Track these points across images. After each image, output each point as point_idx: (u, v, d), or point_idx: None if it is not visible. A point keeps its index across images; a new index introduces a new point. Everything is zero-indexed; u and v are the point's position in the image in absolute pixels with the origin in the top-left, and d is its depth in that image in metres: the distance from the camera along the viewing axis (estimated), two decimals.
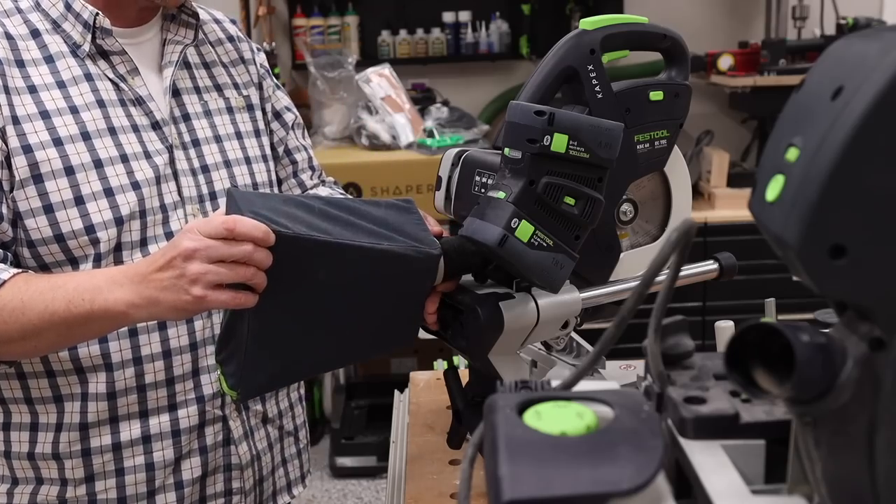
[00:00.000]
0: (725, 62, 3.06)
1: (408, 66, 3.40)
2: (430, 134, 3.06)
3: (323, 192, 1.39)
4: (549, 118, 0.90)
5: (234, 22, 1.37)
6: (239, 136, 1.26)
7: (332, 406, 3.37)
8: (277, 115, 1.37)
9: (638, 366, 1.22)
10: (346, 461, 3.20)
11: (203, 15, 1.28)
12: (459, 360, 1.36)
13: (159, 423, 1.14)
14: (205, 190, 1.19)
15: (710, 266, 1.14)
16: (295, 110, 1.41)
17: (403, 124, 3.09)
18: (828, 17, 3.18)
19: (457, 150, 1.12)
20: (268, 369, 0.98)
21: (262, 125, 1.31)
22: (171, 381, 1.14)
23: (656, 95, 1.07)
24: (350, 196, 1.39)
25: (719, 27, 3.43)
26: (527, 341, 1.02)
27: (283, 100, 1.39)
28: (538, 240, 0.93)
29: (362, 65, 3.26)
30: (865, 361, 0.51)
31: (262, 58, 1.38)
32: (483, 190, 1.05)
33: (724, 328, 1.13)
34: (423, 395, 1.35)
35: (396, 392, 1.41)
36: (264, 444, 1.27)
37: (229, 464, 1.21)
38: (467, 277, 1.04)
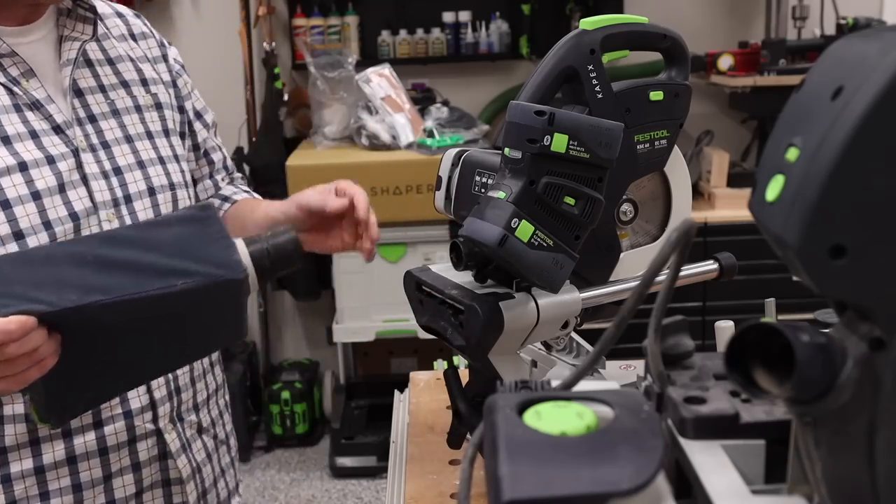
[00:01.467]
0: (725, 62, 3.06)
1: (408, 66, 3.40)
2: (430, 134, 3.06)
3: (228, 190, 1.36)
4: (549, 118, 0.90)
5: (138, 16, 1.29)
6: (150, 135, 1.19)
7: (332, 406, 3.38)
8: (199, 115, 1.32)
9: (638, 366, 1.22)
10: (346, 461, 3.20)
11: (104, 8, 1.22)
12: (459, 360, 1.36)
13: (84, 441, 1.08)
14: (119, 193, 1.12)
15: (710, 266, 1.14)
16: (209, 109, 1.36)
17: (403, 124, 3.09)
18: (828, 17, 3.18)
19: (457, 150, 1.12)
20: (77, 399, 0.92)
21: (171, 124, 1.24)
22: None
23: (656, 95, 1.07)
24: (251, 193, 1.38)
25: (719, 27, 3.43)
26: (527, 341, 1.02)
27: (201, 98, 1.34)
28: (538, 240, 0.93)
29: (362, 65, 3.26)
30: (865, 361, 0.51)
31: (174, 52, 1.31)
32: (483, 190, 1.05)
33: (724, 328, 1.13)
34: (423, 395, 1.35)
35: (396, 392, 1.41)
36: (203, 454, 1.23)
37: (168, 479, 1.17)
38: (467, 277, 1.04)
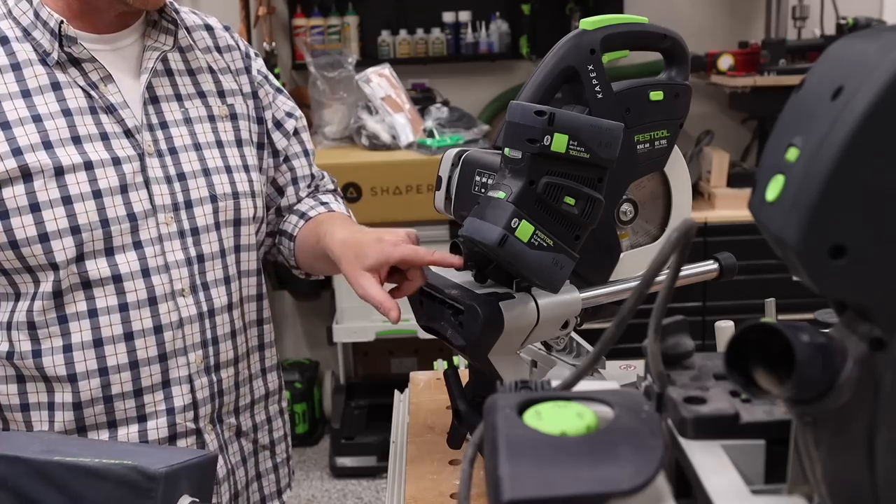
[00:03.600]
0: (725, 62, 3.06)
1: (408, 66, 3.40)
2: (430, 134, 3.06)
3: (306, 205, 1.34)
4: (549, 118, 0.90)
5: (227, 29, 1.33)
6: (220, 144, 1.22)
7: (332, 406, 3.37)
8: (278, 125, 1.33)
9: (638, 366, 1.22)
10: (346, 461, 3.20)
11: (192, 20, 1.26)
12: (459, 360, 1.36)
13: (128, 433, 1.13)
14: (180, 198, 1.16)
15: (710, 266, 1.14)
16: (298, 113, 1.37)
17: (403, 124, 3.09)
18: (828, 17, 3.18)
19: (457, 150, 1.12)
20: None
21: (245, 134, 1.27)
22: (139, 392, 1.13)
23: (656, 95, 1.07)
24: (330, 205, 1.34)
25: (719, 27, 3.43)
26: (527, 341, 1.02)
27: (284, 105, 1.35)
28: (538, 240, 0.93)
29: (362, 65, 3.25)
30: (865, 361, 0.51)
31: (259, 63, 1.34)
32: (483, 190, 1.05)
33: (724, 328, 1.13)
34: (423, 395, 1.34)
35: (396, 392, 1.41)
36: (238, 458, 1.26)
37: None
38: (467, 277, 1.04)
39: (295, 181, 1.36)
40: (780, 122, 0.57)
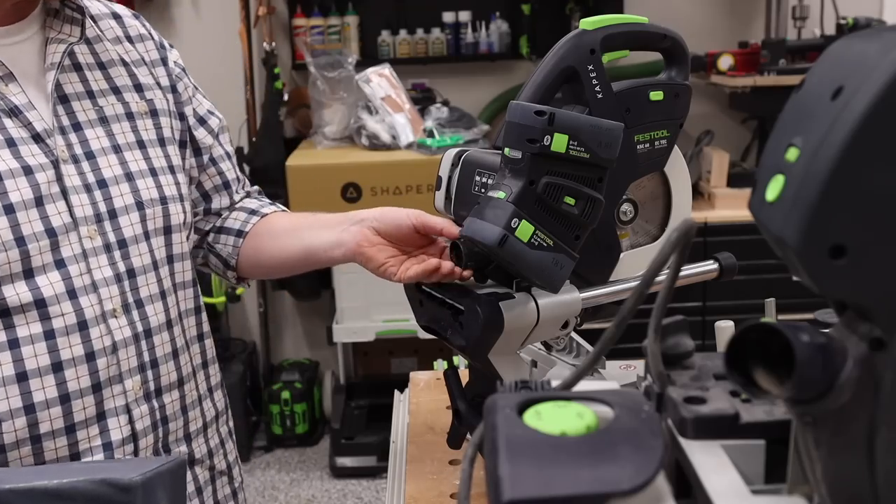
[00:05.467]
0: (725, 62, 3.06)
1: (408, 66, 3.40)
2: (430, 134, 3.06)
3: (254, 203, 1.29)
4: (549, 118, 0.90)
5: (137, 17, 1.21)
6: (141, 144, 1.11)
7: (332, 406, 3.38)
8: (202, 121, 1.23)
9: (638, 366, 1.22)
10: (346, 461, 3.20)
11: (98, 9, 1.15)
12: (459, 360, 1.36)
13: None
14: (102, 208, 1.04)
15: (710, 266, 1.14)
16: (217, 112, 1.28)
17: (403, 124, 3.09)
18: (828, 17, 3.18)
19: (457, 150, 1.12)
20: None
21: (168, 132, 1.16)
22: (71, 428, 1.01)
23: (656, 95, 1.07)
24: (280, 208, 1.31)
25: (719, 27, 3.43)
26: (527, 341, 1.02)
27: (204, 103, 1.26)
28: (538, 240, 0.93)
29: (362, 65, 3.26)
30: (865, 361, 0.51)
31: (175, 55, 1.23)
32: (483, 190, 1.05)
33: (724, 328, 1.13)
34: (423, 395, 1.34)
35: (396, 392, 1.41)
36: (192, 488, 1.15)
37: None
38: None
39: (227, 185, 1.27)
40: (780, 122, 0.57)
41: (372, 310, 3.08)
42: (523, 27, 3.43)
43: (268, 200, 1.33)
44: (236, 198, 1.29)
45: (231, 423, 1.27)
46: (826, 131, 0.50)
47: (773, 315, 1.09)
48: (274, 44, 3.40)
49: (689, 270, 1.13)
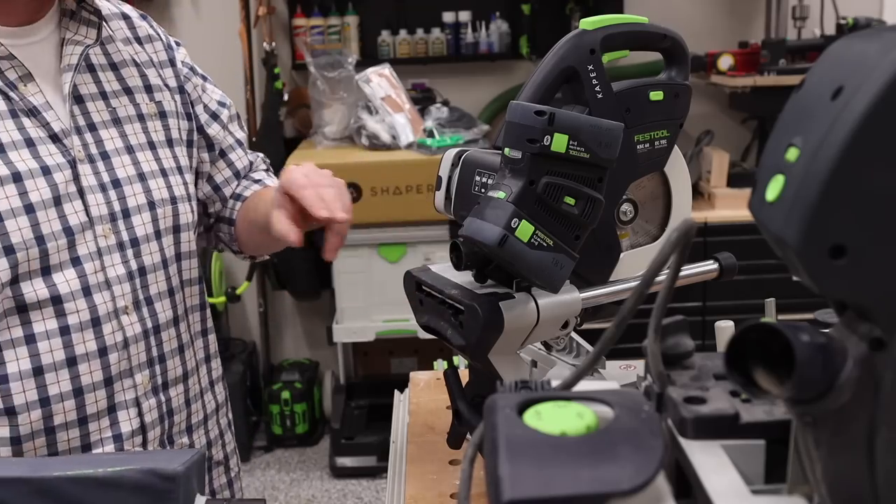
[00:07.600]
0: (725, 62, 3.06)
1: (408, 66, 3.40)
2: (430, 134, 3.06)
3: (240, 187, 1.30)
4: (549, 118, 0.90)
5: (144, 17, 1.24)
6: (152, 145, 1.14)
7: (332, 406, 3.38)
8: (215, 116, 1.26)
9: (638, 366, 1.22)
10: (345, 461, 3.20)
11: (108, 9, 1.16)
12: (459, 360, 1.36)
13: None
14: (117, 207, 1.07)
15: (710, 266, 1.14)
16: (228, 101, 1.30)
17: (403, 124, 3.09)
18: (828, 17, 3.18)
19: (457, 150, 1.12)
20: None
21: (175, 133, 1.19)
22: (83, 420, 1.05)
23: (656, 95, 1.07)
24: (264, 181, 1.31)
25: (719, 27, 3.43)
26: (527, 341, 1.02)
27: (214, 94, 1.27)
28: (538, 240, 0.93)
29: (362, 65, 3.26)
30: (865, 361, 0.51)
31: (182, 54, 1.25)
32: (483, 190, 1.05)
33: (724, 328, 1.13)
34: (423, 395, 1.34)
35: (396, 392, 1.41)
36: None
37: None
38: (467, 277, 1.04)
39: (237, 175, 1.30)
40: (780, 122, 0.57)
41: (372, 310, 3.08)
42: (523, 27, 3.43)
43: (254, 178, 1.33)
44: (244, 182, 1.32)
45: (230, 415, 1.31)
46: (826, 131, 0.50)
47: (773, 315, 1.09)
48: (274, 44, 3.40)
49: (689, 270, 1.13)
